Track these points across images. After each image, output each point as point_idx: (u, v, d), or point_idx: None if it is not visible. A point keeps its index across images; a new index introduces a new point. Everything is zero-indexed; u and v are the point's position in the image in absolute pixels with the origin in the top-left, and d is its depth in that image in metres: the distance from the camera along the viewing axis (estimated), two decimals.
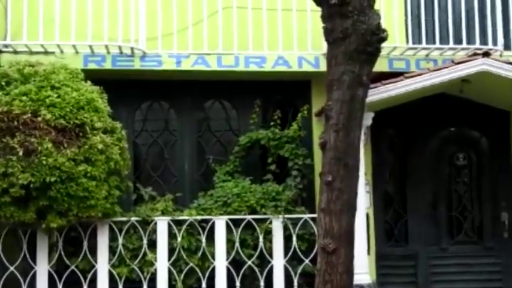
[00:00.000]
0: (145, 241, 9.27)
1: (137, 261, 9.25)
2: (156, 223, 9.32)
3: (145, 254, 9.26)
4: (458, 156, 11.07)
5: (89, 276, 9.14)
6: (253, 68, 9.97)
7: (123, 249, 9.25)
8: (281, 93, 10.65)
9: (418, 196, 10.84)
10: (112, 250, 9.24)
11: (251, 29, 10.00)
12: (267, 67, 9.98)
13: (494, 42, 10.21)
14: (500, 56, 10.06)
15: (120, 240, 9.24)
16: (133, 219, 9.32)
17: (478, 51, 9.76)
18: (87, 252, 9.13)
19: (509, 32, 10.43)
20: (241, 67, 9.94)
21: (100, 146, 8.64)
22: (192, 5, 9.96)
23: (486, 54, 9.57)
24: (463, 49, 10.14)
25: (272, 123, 10.21)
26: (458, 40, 10.24)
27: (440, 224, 10.89)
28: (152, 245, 9.32)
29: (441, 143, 11.05)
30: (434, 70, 9.59)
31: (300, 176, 9.96)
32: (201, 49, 9.89)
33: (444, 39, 10.27)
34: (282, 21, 10.04)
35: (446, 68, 9.56)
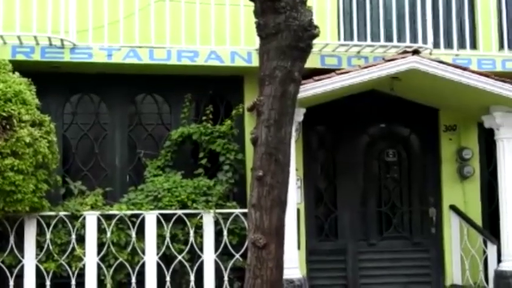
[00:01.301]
0: (73, 236, 9.14)
1: (65, 256, 9.11)
2: (85, 218, 9.19)
3: (73, 249, 9.13)
4: (388, 152, 11.22)
5: (15, 271, 8.95)
6: (185, 62, 9.91)
7: (51, 244, 9.10)
8: (213, 88, 10.62)
9: (348, 192, 10.96)
10: (39, 245, 9.08)
11: (184, 22, 9.94)
12: (200, 61, 9.94)
13: (424, 41, 10.38)
14: (430, 54, 10.24)
15: (48, 235, 9.08)
16: (61, 213, 9.17)
17: (408, 49, 9.91)
18: (14, 247, 8.95)
19: (438, 30, 10.61)
20: (173, 61, 9.87)
21: (28, 139, 8.46)
22: None
23: (416, 52, 9.71)
24: (393, 47, 10.28)
25: (204, 118, 10.17)
26: (389, 38, 10.39)
27: (369, 219, 11.04)
28: (81, 240, 9.19)
29: (371, 140, 11.19)
30: (365, 67, 9.68)
31: (231, 171, 9.96)
32: (133, 42, 9.79)
33: (375, 37, 10.40)
34: (215, 15, 10.01)
35: (376, 65, 9.67)
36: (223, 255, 9.51)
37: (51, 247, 9.09)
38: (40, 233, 9.11)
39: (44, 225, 9.07)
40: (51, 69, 9.85)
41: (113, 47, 9.74)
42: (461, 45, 10.81)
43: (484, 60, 10.69)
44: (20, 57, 9.51)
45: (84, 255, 9.14)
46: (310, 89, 9.34)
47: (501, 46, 11.07)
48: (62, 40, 9.53)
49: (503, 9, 10.90)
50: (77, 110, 10.47)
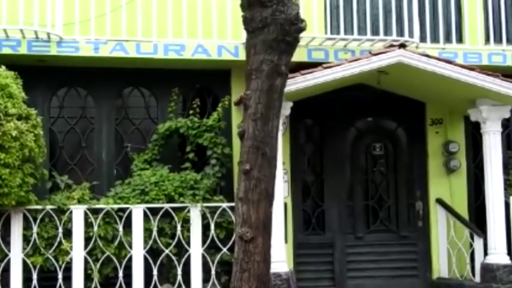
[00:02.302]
0: (60, 230, 9.12)
1: (52, 250, 9.09)
2: (72, 212, 9.17)
3: (60, 243, 9.10)
4: (375, 146, 11.25)
5: (2, 265, 8.93)
6: (172, 55, 9.89)
7: (38, 238, 9.07)
8: (200, 81, 10.61)
9: (335, 185, 10.98)
10: (26, 239, 9.06)
11: (170, 16, 9.92)
12: (186, 55, 9.92)
13: (411, 35, 10.41)
14: (417, 47, 10.27)
15: (35, 228, 9.06)
16: (48, 207, 9.14)
17: (395, 43, 9.93)
18: (0, 241, 8.92)
19: (425, 24, 10.64)
20: (160, 55, 9.86)
21: (14, 133, 8.44)
22: None
23: (402, 46, 9.73)
24: (380, 40, 10.30)
25: (191, 112, 10.16)
26: (376, 31, 10.40)
27: (356, 213, 11.06)
28: (68, 234, 9.17)
29: (358, 133, 11.21)
30: (352, 61, 9.69)
31: (218, 164, 9.95)
32: (120, 36, 9.76)
33: (362, 31, 10.41)
34: (202, 9, 9.99)
35: (363, 59, 9.67)
36: (211, 249, 9.51)
37: (38, 241, 9.07)
38: (27, 227, 9.08)
39: (31, 219, 9.05)
40: (37, 63, 9.81)
41: (99, 41, 9.71)
42: (448, 39, 10.85)
43: (470, 54, 10.73)
44: (6, 50, 9.46)
45: (71, 249, 9.11)
46: (297, 83, 9.34)
47: (487, 40, 11.11)
48: (48, 33, 9.49)
49: (489, 3, 10.93)
50: (64, 104, 10.43)
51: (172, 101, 10.26)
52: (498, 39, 10.95)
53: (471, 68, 9.77)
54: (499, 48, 10.86)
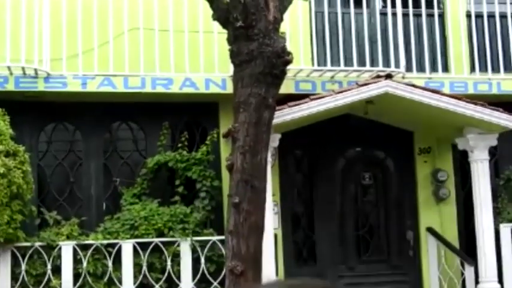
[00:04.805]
0: (49, 267, 9.05)
1: (41, 287, 9.00)
2: (60, 248, 9.11)
3: (49, 280, 9.03)
4: (364, 176, 11.25)
5: None
6: (160, 89, 9.91)
7: (26, 276, 9.00)
8: (189, 114, 10.62)
9: (325, 216, 10.95)
10: (15, 276, 8.99)
11: (158, 50, 9.94)
12: (174, 89, 9.94)
13: (397, 65, 10.47)
14: (403, 78, 10.33)
15: (23, 266, 8.99)
16: (37, 244, 9.08)
17: (381, 74, 9.99)
18: None
19: (411, 54, 10.71)
20: (147, 89, 9.87)
21: (2, 170, 8.42)
22: (97, 25, 9.84)
23: (389, 76, 9.80)
24: (367, 71, 10.36)
25: (180, 145, 10.15)
26: (362, 62, 10.46)
27: (347, 243, 11.04)
28: (57, 270, 9.10)
29: (347, 163, 11.22)
30: (339, 92, 9.75)
31: (208, 197, 9.93)
32: (107, 70, 9.77)
33: (349, 62, 10.47)
34: (189, 43, 10.03)
35: (350, 90, 9.73)
36: (201, 283, 9.45)
37: (26, 278, 8.99)
38: (15, 264, 9.01)
39: (19, 257, 8.99)
40: (25, 99, 9.80)
41: (87, 76, 9.72)
42: (434, 69, 10.91)
43: (456, 83, 10.80)
44: None
45: (60, 286, 9.04)
46: (285, 115, 9.36)
47: (472, 69, 11.19)
48: (35, 69, 9.49)
49: (474, 33, 11.03)
50: (52, 139, 10.41)
51: (162, 135, 10.25)
52: (483, 68, 11.03)
53: (457, 97, 9.83)
54: (484, 77, 10.93)
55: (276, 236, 9.97)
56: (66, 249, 9.12)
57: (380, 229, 11.20)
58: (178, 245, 9.40)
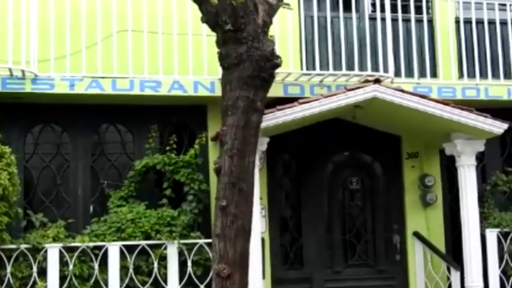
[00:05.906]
0: (35, 269, 9.00)
1: None
2: (46, 250, 9.06)
3: (35, 283, 8.98)
4: (351, 180, 11.27)
5: None
6: (148, 92, 9.88)
7: (12, 278, 8.95)
8: (177, 117, 10.59)
9: (313, 220, 10.96)
10: (0, 279, 8.92)
11: (146, 52, 9.92)
12: (163, 91, 9.92)
13: (386, 69, 10.50)
14: (392, 82, 10.35)
15: (9, 268, 8.94)
16: (22, 246, 9.03)
17: (370, 78, 10.01)
18: None
19: (399, 59, 10.73)
20: (136, 91, 9.84)
21: None
22: (86, 27, 9.80)
23: (377, 81, 9.82)
24: (355, 75, 10.37)
25: (168, 148, 10.12)
26: (351, 67, 10.47)
27: (334, 247, 11.04)
28: (43, 273, 9.05)
29: (335, 168, 11.23)
30: (328, 96, 9.76)
31: (195, 200, 9.90)
32: (95, 72, 9.74)
33: (338, 66, 10.47)
34: (178, 45, 10.01)
35: (339, 94, 9.74)
36: (188, 286, 9.43)
37: (11, 281, 8.94)
38: (0, 266, 8.95)
39: (5, 259, 8.93)
40: (12, 100, 9.74)
41: (75, 77, 9.68)
42: (422, 74, 10.94)
43: (444, 88, 10.82)
44: None
45: None
46: (273, 119, 9.37)
47: (461, 74, 11.23)
48: (23, 71, 9.44)
49: (462, 38, 11.07)
50: (39, 141, 10.36)
51: (150, 138, 10.22)
52: (472, 74, 11.07)
53: (446, 103, 9.87)
54: (472, 83, 10.97)
55: (263, 239, 9.96)
56: (52, 252, 9.07)
57: (367, 233, 11.21)
58: (165, 248, 9.38)
